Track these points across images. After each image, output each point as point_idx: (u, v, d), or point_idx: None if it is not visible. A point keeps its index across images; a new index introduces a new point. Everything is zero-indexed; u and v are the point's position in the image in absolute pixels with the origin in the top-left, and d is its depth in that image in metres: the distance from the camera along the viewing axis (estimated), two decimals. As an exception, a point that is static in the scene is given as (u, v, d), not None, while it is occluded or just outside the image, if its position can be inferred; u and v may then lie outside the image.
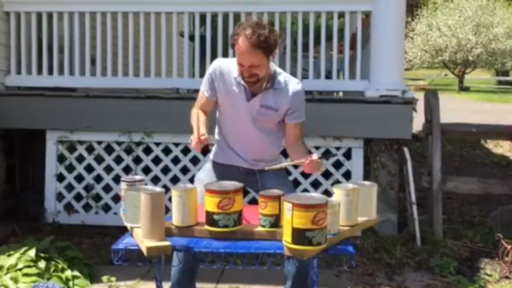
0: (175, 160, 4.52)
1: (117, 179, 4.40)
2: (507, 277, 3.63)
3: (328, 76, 4.72)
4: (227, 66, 2.53)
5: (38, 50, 4.68)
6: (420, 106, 4.46)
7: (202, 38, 4.70)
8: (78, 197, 4.60)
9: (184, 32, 5.36)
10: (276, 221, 2.10)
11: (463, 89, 25.48)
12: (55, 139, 4.57)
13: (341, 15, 4.60)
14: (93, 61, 4.72)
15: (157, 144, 4.53)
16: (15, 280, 3.07)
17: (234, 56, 2.45)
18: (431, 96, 4.41)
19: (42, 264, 3.21)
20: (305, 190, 4.30)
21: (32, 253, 3.26)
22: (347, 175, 4.37)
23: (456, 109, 12.25)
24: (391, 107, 4.27)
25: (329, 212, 1.96)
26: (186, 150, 4.50)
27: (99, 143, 4.57)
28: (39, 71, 4.71)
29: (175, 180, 4.50)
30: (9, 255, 3.27)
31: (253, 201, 4.04)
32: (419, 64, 27.44)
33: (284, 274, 2.54)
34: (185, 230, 2.13)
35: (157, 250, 1.99)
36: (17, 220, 4.45)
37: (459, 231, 4.41)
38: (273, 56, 2.45)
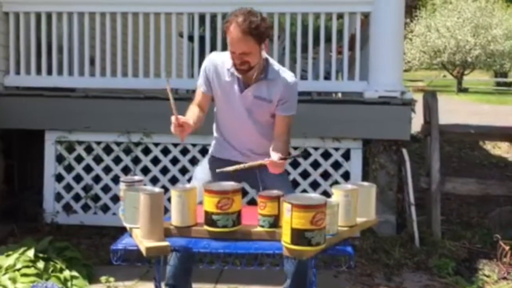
0: (174, 161, 4.52)
1: (116, 180, 4.40)
2: (505, 278, 3.63)
3: (327, 77, 4.73)
4: (221, 59, 2.55)
5: (37, 50, 4.68)
6: (419, 107, 4.47)
7: (201, 38, 4.71)
8: (77, 198, 4.60)
9: (183, 33, 5.37)
10: (275, 222, 2.11)
11: (462, 90, 25.52)
12: (54, 139, 4.56)
13: (340, 16, 4.60)
14: (92, 62, 4.73)
15: (156, 144, 4.53)
16: (14, 280, 3.07)
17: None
18: (430, 97, 4.41)
19: (40, 264, 3.21)
20: (304, 191, 4.30)
21: (30, 253, 3.26)
22: (346, 176, 4.37)
23: (455, 110, 12.27)
24: (389, 108, 4.27)
25: (328, 212, 1.96)
26: (185, 151, 4.50)
27: (98, 143, 4.57)
28: (38, 71, 4.71)
29: (174, 180, 4.50)
30: (7, 256, 3.27)
31: (252, 202, 4.06)
32: (418, 65, 27.48)
33: (282, 275, 2.54)
34: (184, 230, 2.13)
35: (156, 251, 1.99)
36: (15, 220, 4.44)
37: (457, 232, 4.41)
38: (266, 45, 2.44)
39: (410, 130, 4.37)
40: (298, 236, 1.88)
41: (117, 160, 4.56)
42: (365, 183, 2.41)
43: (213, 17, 4.69)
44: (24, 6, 4.65)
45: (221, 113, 2.64)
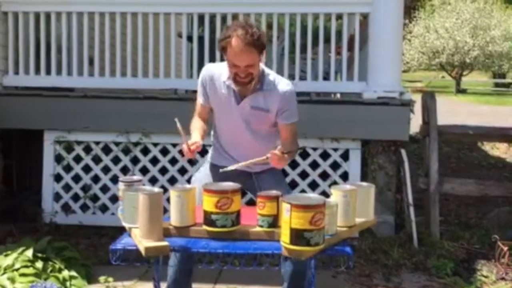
0: (173, 161, 4.52)
1: (114, 180, 4.40)
2: (503, 279, 3.64)
3: (326, 77, 4.73)
4: (216, 71, 2.55)
5: (36, 50, 4.67)
6: (418, 108, 4.48)
7: (200, 39, 4.71)
8: (76, 198, 4.59)
9: (182, 33, 5.37)
10: (274, 222, 2.11)
11: (460, 91, 25.53)
12: (52, 139, 4.56)
13: (339, 16, 4.61)
14: (91, 61, 4.72)
15: (155, 144, 4.53)
16: (12, 280, 3.07)
17: (223, 59, 2.45)
18: (429, 98, 4.42)
19: (39, 264, 3.21)
20: (303, 191, 4.31)
21: (29, 253, 3.26)
22: (345, 176, 4.37)
23: (453, 111, 12.28)
24: (388, 108, 4.28)
25: (327, 212, 1.97)
26: (183, 153, 4.49)
27: (97, 143, 4.57)
28: (37, 71, 4.71)
29: (172, 180, 4.50)
30: (6, 255, 3.26)
31: (251, 202, 4.06)
32: (417, 66, 27.49)
33: (281, 275, 2.54)
34: (183, 230, 2.14)
35: (155, 251, 1.99)
36: (14, 220, 4.44)
37: (455, 232, 4.42)
38: (263, 54, 2.45)
39: (408, 131, 4.37)
40: (297, 236, 1.89)
41: (116, 160, 4.56)
42: (364, 184, 2.41)
43: (212, 17, 4.69)
44: (23, 6, 4.65)
45: (219, 124, 2.65)
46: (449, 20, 25.70)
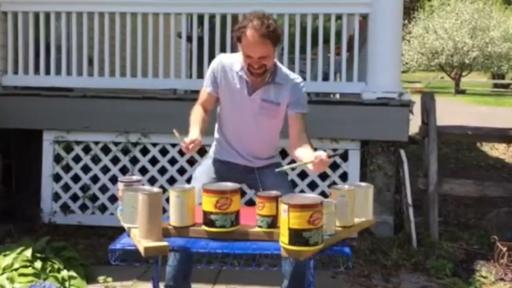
0: (172, 161, 4.52)
1: (113, 180, 4.39)
2: (502, 279, 3.64)
3: (325, 78, 4.73)
4: (229, 61, 2.55)
5: (35, 50, 4.67)
6: (417, 108, 4.48)
7: (200, 39, 4.71)
8: (75, 198, 4.59)
9: (181, 33, 5.37)
10: (273, 222, 2.11)
11: (459, 92, 25.57)
12: (51, 139, 4.56)
13: (339, 17, 4.61)
14: (90, 62, 4.72)
15: (154, 144, 4.53)
16: (11, 280, 3.07)
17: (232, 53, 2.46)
18: (428, 99, 4.42)
19: (38, 264, 3.21)
20: (302, 191, 4.31)
21: (28, 253, 3.25)
22: (344, 177, 4.38)
23: (452, 112, 12.30)
24: (388, 109, 4.28)
25: (325, 212, 1.97)
26: (183, 151, 4.49)
27: (96, 143, 4.57)
28: (36, 71, 4.70)
29: (172, 180, 4.50)
30: (5, 255, 3.26)
31: (251, 203, 4.06)
32: (416, 66, 27.53)
33: (280, 275, 2.54)
34: (182, 230, 2.14)
35: (154, 251, 1.99)
36: (13, 220, 4.44)
37: (455, 233, 4.42)
38: (278, 46, 2.47)
39: (408, 131, 4.37)
40: (296, 236, 1.89)
41: (115, 160, 4.56)
42: (363, 184, 2.41)
43: (212, 17, 4.69)
44: (22, 6, 4.65)
45: (226, 115, 2.64)
46: (448, 20, 25.75)
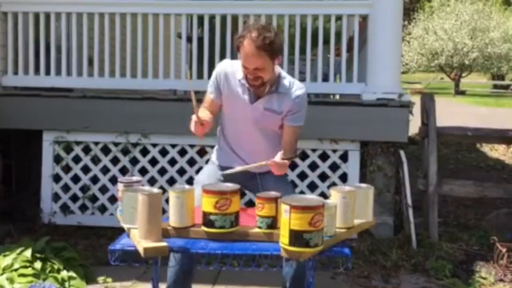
0: (172, 162, 4.52)
1: (113, 180, 4.40)
2: (502, 280, 3.64)
3: (325, 79, 4.73)
4: (232, 68, 2.55)
5: (35, 50, 4.67)
6: (417, 109, 4.48)
7: (200, 39, 4.71)
8: (74, 198, 4.59)
9: (181, 34, 5.37)
10: (273, 223, 2.11)
11: (459, 92, 25.58)
12: (51, 139, 4.56)
13: (339, 18, 4.61)
14: (90, 62, 4.72)
15: (154, 145, 4.53)
16: (11, 280, 3.07)
17: (233, 58, 2.46)
18: (428, 100, 4.42)
19: (38, 264, 3.21)
20: (302, 192, 4.30)
21: (28, 253, 3.26)
22: (344, 178, 4.38)
23: (452, 113, 12.30)
24: (387, 110, 4.28)
25: (326, 214, 1.97)
26: (183, 152, 4.50)
27: (96, 143, 4.57)
28: (36, 71, 4.70)
29: (171, 181, 4.50)
30: (5, 256, 3.26)
31: (250, 204, 4.06)
32: (416, 67, 27.54)
33: (279, 276, 2.54)
34: (182, 231, 2.14)
35: (154, 251, 1.99)
36: (13, 220, 4.44)
37: (454, 234, 4.42)
38: (278, 60, 2.46)
39: (407, 132, 4.37)
40: (296, 237, 1.89)
41: (115, 161, 4.56)
42: (363, 185, 2.42)
43: (212, 18, 4.69)
44: (22, 6, 4.65)
45: (228, 122, 2.64)
46: (448, 21, 25.76)
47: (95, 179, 4.59)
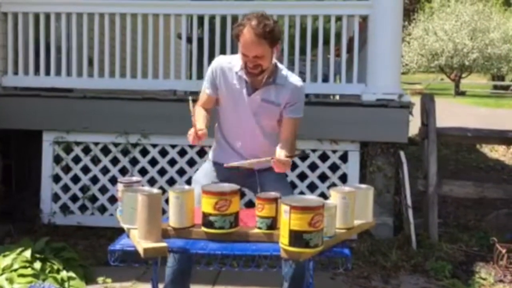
0: (172, 162, 4.52)
1: (113, 181, 4.40)
2: (501, 281, 3.64)
3: (325, 79, 4.73)
4: (228, 62, 2.55)
5: (35, 51, 4.68)
6: (417, 110, 4.48)
7: (200, 40, 4.71)
8: (74, 198, 4.59)
9: (181, 34, 5.37)
10: (272, 223, 2.11)
11: (459, 93, 25.57)
12: (51, 140, 4.56)
13: (339, 18, 4.61)
14: (90, 62, 4.73)
15: (154, 145, 4.53)
16: (11, 280, 3.07)
17: (232, 54, 2.46)
18: (428, 100, 4.42)
19: (37, 265, 3.21)
20: (301, 193, 4.30)
21: (27, 253, 3.26)
22: (343, 178, 4.38)
23: (452, 114, 12.30)
24: (387, 110, 4.28)
25: (326, 214, 1.97)
26: (182, 152, 4.50)
27: (96, 144, 4.57)
28: (36, 71, 4.71)
29: (171, 182, 4.50)
30: (4, 256, 3.26)
31: (249, 204, 4.06)
32: (416, 68, 27.53)
33: (279, 276, 2.54)
34: (181, 231, 2.13)
35: (154, 252, 1.99)
36: (13, 220, 4.44)
37: (454, 234, 4.42)
38: (277, 49, 2.46)
39: (407, 133, 4.38)
40: (296, 238, 1.89)
41: (115, 161, 4.56)
42: (363, 186, 2.41)
43: (212, 19, 4.69)
44: (22, 7, 4.65)
45: (226, 117, 2.64)
46: (448, 22, 25.76)
47: (95, 180, 4.59)
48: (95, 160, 4.58)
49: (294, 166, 4.39)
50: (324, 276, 3.43)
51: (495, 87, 28.49)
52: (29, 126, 4.59)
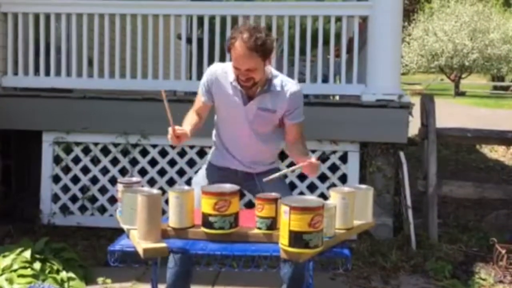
0: (172, 162, 4.52)
1: (113, 181, 4.39)
2: (501, 281, 3.64)
3: (325, 80, 4.73)
4: (223, 71, 2.54)
5: (35, 51, 4.68)
6: (416, 110, 4.48)
7: (200, 41, 4.71)
8: (74, 199, 4.59)
9: (181, 35, 5.37)
10: (272, 224, 2.11)
11: (459, 94, 25.57)
12: (51, 140, 4.56)
13: (338, 19, 4.61)
14: (90, 63, 4.72)
15: (154, 146, 4.53)
16: (10, 281, 3.07)
17: (231, 59, 2.46)
18: (427, 101, 4.43)
19: (37, 265, 3.21)
20: (301, 193, 4.31)
21: (27, 254, 3.26)
22: (343, 179, 4.38)
23: (452, 114, 12.31)
24: (387, 111, 4.29)
25: (326, 215, 1.97)
26: (182, 153, 4.50)
27: (96, 144, 4.57)
28: (36, 72, 4.71)
29: (171, 182, 4.50)
30: (4, 256, 3.26)
31: (249, 205, 4.06)
32: (416, 68, 27.54)
33: (279, 277, 2.54)
34: (181, 232, 2.13)
35: (153, 252, 1.99)
36: (12, 221, 4.43)
37: (454, 235, 4.42)
38: (270, 60, 2.46)
39: (407, 133, 4.38)
40: (296, 238, 1.89)
41: (115, 162, 4.56)
42: (362, 186, 2.42)
43: (212, 19, 4.69)
44: (22, 7, 4.65)
45: (223, 124, 2.64)
46: (448, 23, 25.76)
47: (94, 180, 4.59)
48: (95, 161, 4.57)
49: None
50: (323, 277, 3.43)
51: (495, 87, 28.49)
52: (29, 127, 4.59)
